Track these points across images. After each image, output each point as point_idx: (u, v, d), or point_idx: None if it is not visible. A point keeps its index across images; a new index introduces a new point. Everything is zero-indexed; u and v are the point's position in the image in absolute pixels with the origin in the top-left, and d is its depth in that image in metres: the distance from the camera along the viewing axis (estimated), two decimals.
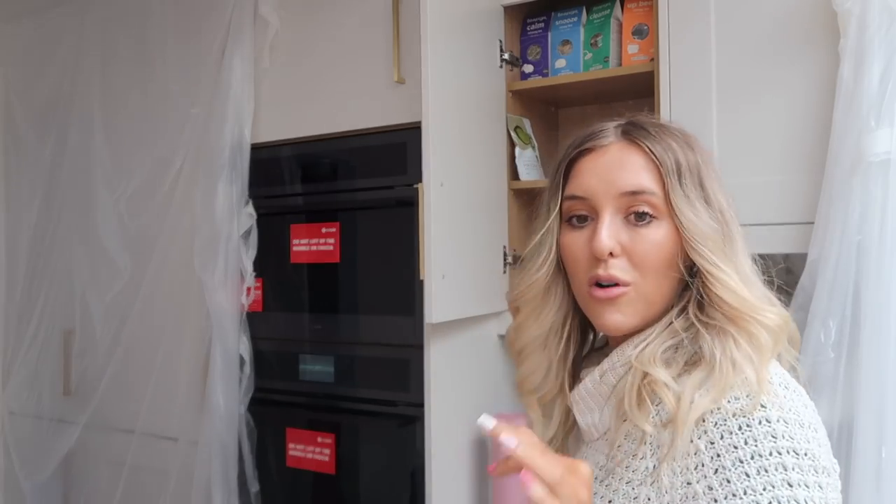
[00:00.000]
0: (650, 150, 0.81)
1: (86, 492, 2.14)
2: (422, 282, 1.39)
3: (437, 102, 1.40)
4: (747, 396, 0.72)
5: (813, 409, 0.75)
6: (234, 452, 1.80)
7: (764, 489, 0.67)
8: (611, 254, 0.79)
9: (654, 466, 0.74)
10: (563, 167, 0.86)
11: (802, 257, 1.26)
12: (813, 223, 1.25)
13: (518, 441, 0.68)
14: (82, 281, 2.09)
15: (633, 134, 0.83)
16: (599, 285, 0.81)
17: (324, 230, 1.77)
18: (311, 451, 1.77)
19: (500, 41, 1.67)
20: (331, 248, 1.76)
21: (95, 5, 2.11)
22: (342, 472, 1.73)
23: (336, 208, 1.76)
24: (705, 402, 0.72)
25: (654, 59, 1.47)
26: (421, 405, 1.52)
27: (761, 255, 0.85)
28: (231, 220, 1.80)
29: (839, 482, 0.72)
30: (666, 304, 0.82)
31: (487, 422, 0.71)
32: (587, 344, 0.96)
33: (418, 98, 1.40)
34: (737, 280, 0.78)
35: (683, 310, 0.81)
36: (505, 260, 1.65)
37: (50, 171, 2.18)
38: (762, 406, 0.71)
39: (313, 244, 1.78)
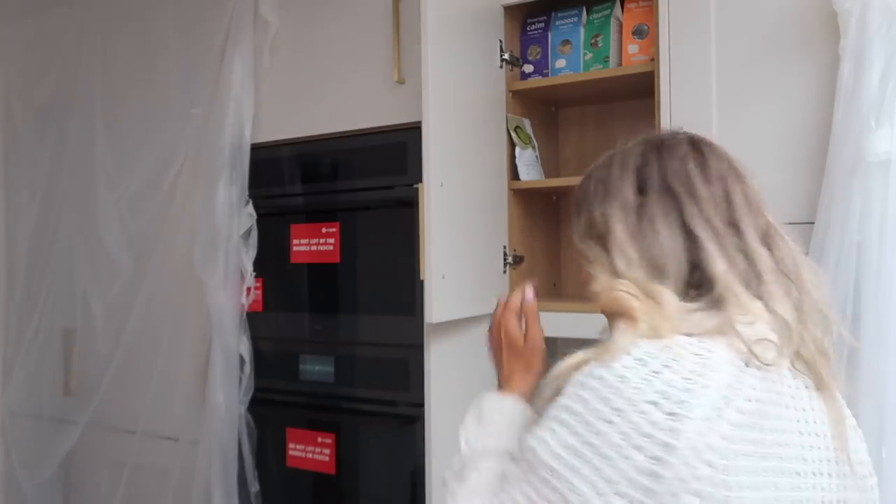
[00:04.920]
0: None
1: (86, 492, 2.14)
2: (422, 282, 1.39)
3: (437, 102, 1.40)
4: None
5: (660, 406, 0.65)
6: (234, 452, 1.80)
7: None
8: None
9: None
10: None
11: None
12: (813, 223, 1.25)
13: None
14: (83, 280, 2.10)
15: None
16: None
17: (324, 230, 1.77)
18: (311, 451, 1.77)
19: (501, 41, 1.67)
20: (331, 248, 1.76)
21: (95, 5, 2.11)
22: (342, 472, 1.73)
23: (336, 208, 1.76)
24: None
25: (654, 59, 1.47)
26: (421, 405, 1.52)
27: None
28: (231, 220, 1.80)
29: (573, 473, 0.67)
30: None
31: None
32: None
33: (418, 98, 1.40)
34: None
35: None
36: (505, 260, 1.65)
37: (50, 171, 2.19)
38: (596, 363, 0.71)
39: (313, 244, 1.78)
